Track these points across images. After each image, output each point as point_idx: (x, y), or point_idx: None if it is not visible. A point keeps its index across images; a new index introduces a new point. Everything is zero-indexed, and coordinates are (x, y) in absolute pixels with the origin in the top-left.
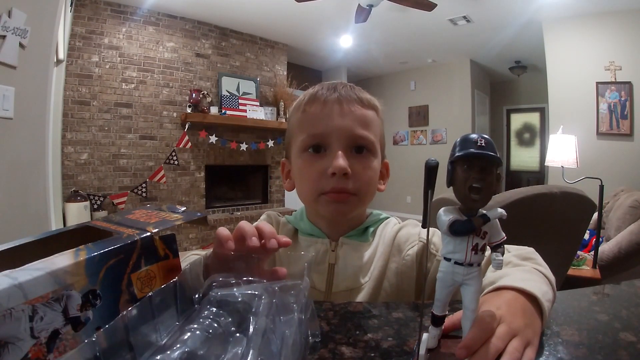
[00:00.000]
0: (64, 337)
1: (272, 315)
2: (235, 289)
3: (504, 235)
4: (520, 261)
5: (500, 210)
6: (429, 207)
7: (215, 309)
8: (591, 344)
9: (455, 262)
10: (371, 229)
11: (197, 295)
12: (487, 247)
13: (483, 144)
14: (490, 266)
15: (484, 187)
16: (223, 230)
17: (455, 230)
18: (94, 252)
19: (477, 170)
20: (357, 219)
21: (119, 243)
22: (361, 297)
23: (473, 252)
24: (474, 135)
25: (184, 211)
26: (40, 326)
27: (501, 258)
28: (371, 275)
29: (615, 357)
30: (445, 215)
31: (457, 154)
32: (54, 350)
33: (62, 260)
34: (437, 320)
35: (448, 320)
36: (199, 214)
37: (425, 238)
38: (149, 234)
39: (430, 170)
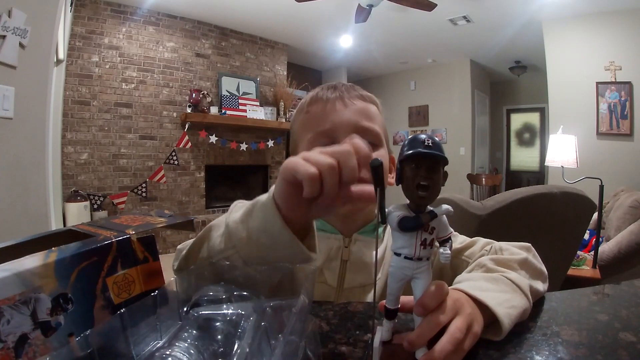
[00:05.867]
0: (33, 342)
1: (259, 339)
2: (223, 306)
3: (452, 230)
4: (495, 266)
5: (446, 206)
6: (383, 205)
7: (195, 332)
8: (591, 344)
9: (405, 257)
10: (382, 225)
11: (185, 309)
12: (436, 241)
13: (430, 144)
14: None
15: (431, 184)
16: (305, 168)
17: (403, 226)
18: (65, 254)
19: (425, 169)
20: (369, 215)
21: (92, 245)
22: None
23: (422, 246)
24: (422, 136)
25: (170, 215)
26: (6, 329)
27: (449, 252)
28: (383, 271)
29: (615, 357)
30: (394, 212)
31: (405, 153)
32: (23, 356)
33: (31, 261)
34: (390, 313)
35: (402, 300)
36: (178, 218)
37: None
38: (126, 236)
39: (373, 169)
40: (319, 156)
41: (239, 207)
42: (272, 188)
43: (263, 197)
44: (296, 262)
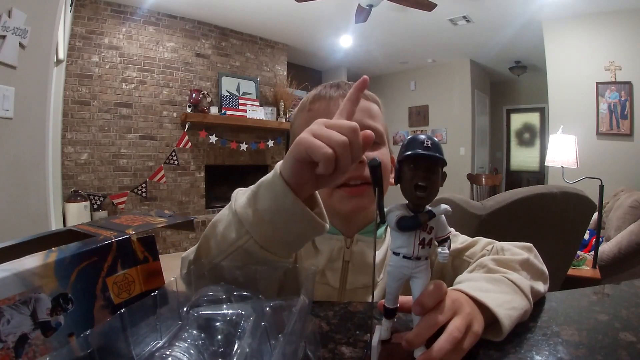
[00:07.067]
0: (33, 342)
1: (259, 339)
2: (224, 306)
3: (450, 230)
4: (496, 266)
5: (444, 206)
6: (381, 204)
7: (195, 332)
8: (591, 344)
9: (404, 256)
10: (384, 226)
11: (185, 309)
12: (435, 241)
13: (429, 145)
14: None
15: (429, 185)
16: (320, 148)
17: (402, 225)
18: (65, 254)
19: (423, 169)
20: (370, 215)
21: (92, 245)
22: (376, 293)
23: (420, 246)
24: (421, 136)
25: (170, 215)
26: (6, 329)
27: (447, 252)
28: (385, 271)
29: (615, 357)
30: (393, 212)
31: (404, 154)
32: (23, 356)
33: (31, 261)
34: (389, 313)
35: (401, 300)
36: (178, 218)
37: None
38: (126, 236)
39: (372, 169)
40: (332, 134)
41: (241, 194)
42: (277, 166)
43: (267, 177)
44: (310, 235)
